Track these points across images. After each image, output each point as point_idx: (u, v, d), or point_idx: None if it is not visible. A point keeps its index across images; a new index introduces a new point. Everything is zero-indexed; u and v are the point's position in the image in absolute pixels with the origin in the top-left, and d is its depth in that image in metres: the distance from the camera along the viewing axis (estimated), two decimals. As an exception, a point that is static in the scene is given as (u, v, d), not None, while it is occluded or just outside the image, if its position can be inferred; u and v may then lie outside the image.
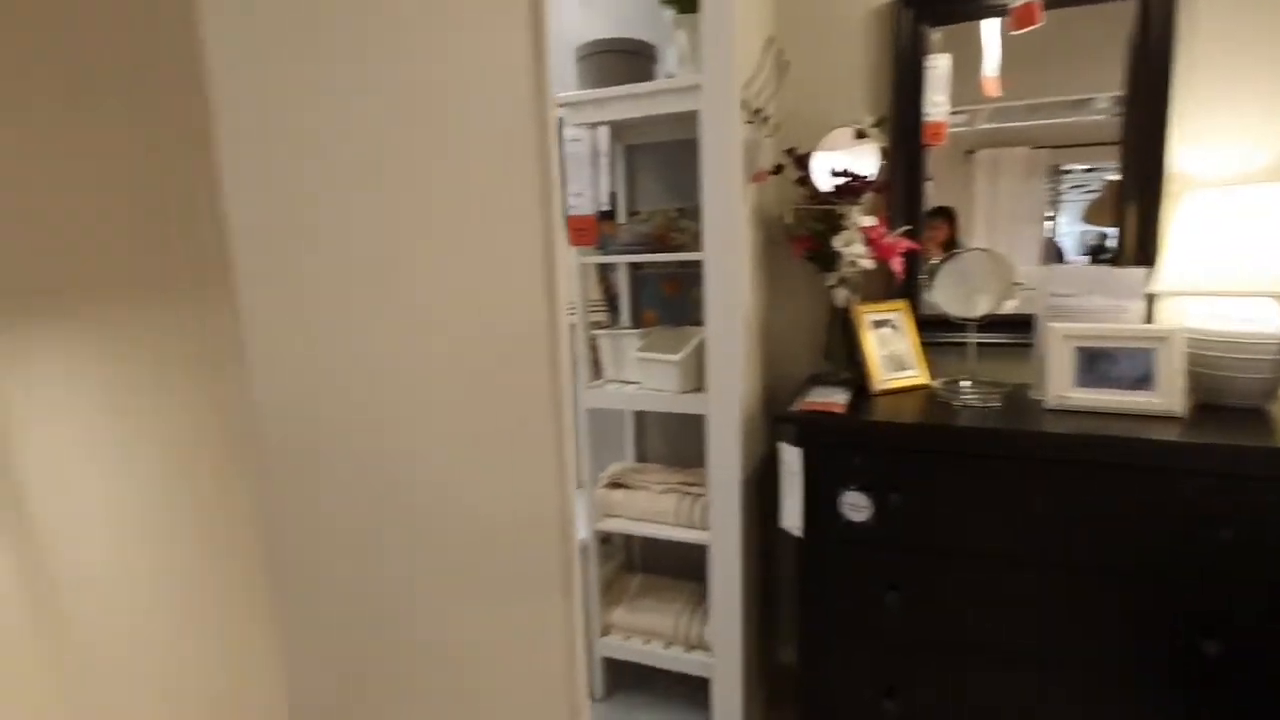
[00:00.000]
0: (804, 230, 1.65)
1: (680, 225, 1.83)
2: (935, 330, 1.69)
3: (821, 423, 1.44)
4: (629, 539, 2.18)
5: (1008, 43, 1.58)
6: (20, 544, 0.59)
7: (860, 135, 1.62)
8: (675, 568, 2.13)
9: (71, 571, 0.59)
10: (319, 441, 0.51)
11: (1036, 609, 1.32)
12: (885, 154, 1.65)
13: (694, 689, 1.94)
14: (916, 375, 1.64)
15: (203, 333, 0.46)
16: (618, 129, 1.90)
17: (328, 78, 0.50)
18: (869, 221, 1.57)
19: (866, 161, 1.60)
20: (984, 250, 1.55)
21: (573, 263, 1.76)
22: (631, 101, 1.62)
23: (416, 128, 0.59)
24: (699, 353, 1.69)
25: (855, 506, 1.43)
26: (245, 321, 0.45)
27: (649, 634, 1.88)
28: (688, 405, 1.69)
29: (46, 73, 0.47)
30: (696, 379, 1.71)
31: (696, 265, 1.64)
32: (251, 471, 0.46)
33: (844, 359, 1.69)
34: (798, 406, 1.50)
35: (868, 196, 1.60)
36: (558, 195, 0.82)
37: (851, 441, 1.42)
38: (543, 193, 0.79)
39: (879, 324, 1.65)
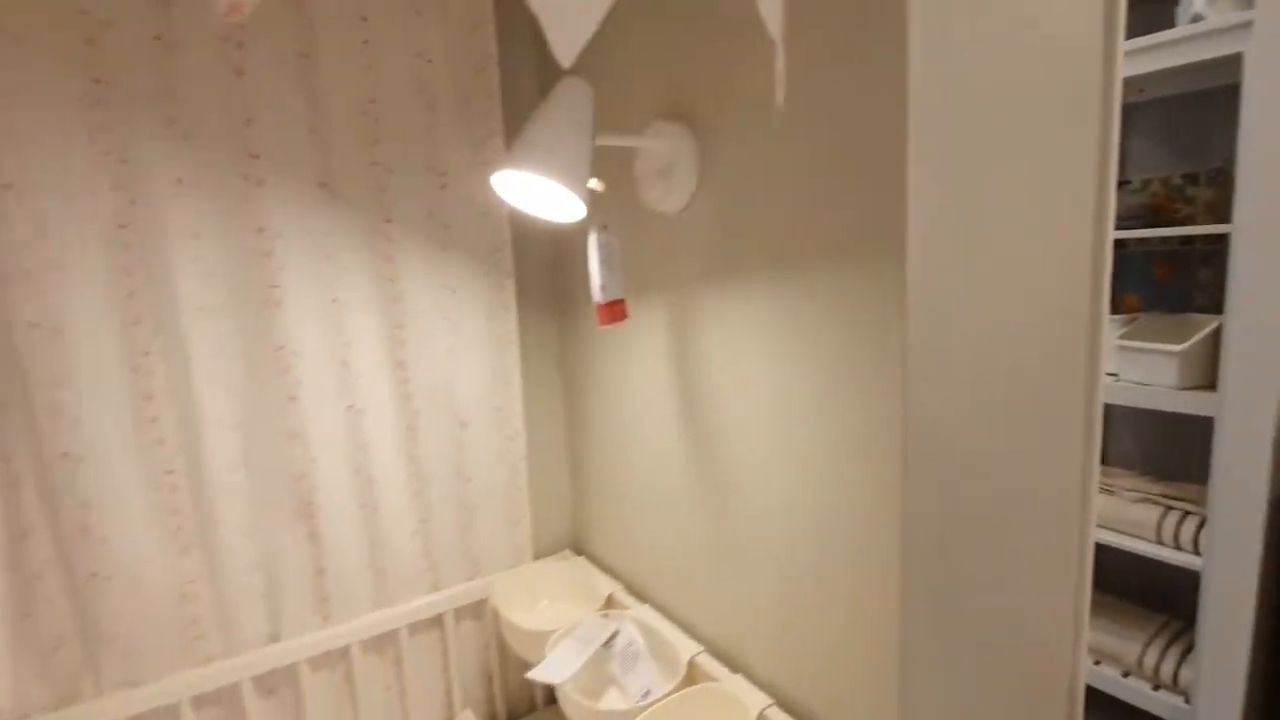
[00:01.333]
0: None
1: (1186, 194, 1.57)
2: None
3: None
4: (1074, 546, 1.98)
5: None
6: (703, 440, 0.90)
7: None
8: (1130, 587, 1.86)
9: (738, 457, 0.87)
10: (949, 358, 0.67)
11: None
12: None
13: (1155, 730, 1.68)
14: None
15: (875, 283, 0.66)
16: (1109, 91, 1.70)
17: (967, 117, 0.64)
18: None
19: None
20: None
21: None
22: (1147, 54, 1.44)
23: (997, 116, 0.70)
24: (1210, 344, 1.44)
25: None
26: (910, 277, 0.63)
27: (1101, 654, 1.70)
28: (1188, 404, 1.45)
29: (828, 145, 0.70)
30: (1202, 374, 1.46)
31: (1206, 241, 1.38)
32: (897, 376, 0.64)
33: None
34: (1381, 419, 1.17)
35: None
36: (1113, 167, 0.84)
37: None
38: (1100, 165, 0.82)
39: None
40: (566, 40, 0.49)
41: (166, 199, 0.91)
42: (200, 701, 1.03)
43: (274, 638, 1.07)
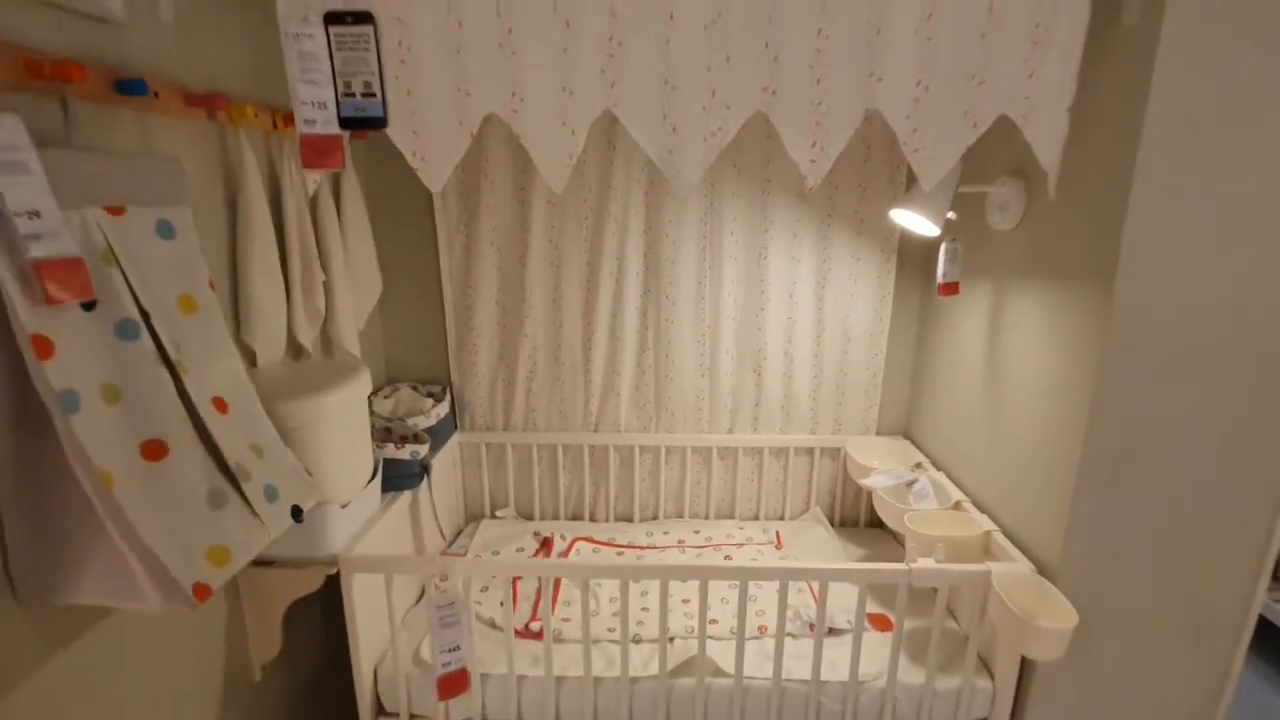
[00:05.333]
0: None
1: None
2: None
3: None
4: None
5: None
6: (994, 380, 1.49)
7: None
8: None
9: (1012, 379, 1.46)
10: (1153, 357, 1.17)
11: None
12: None
13: None
14: None
15: (1093, 295, 1.19)
16: None
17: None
18: None
19: None
20: None
21: None
22: None
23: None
24: None
25: None
26: (1117, 294, 1.15)
27: None
28: None
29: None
30: None
31: None
32: (1099, 368, 1.18)
33: None
34: None
35: None
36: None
37: None
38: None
39: None
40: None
41: (726, 203, 1.86)
42: (695, 451, 2.08)
43: (730, 431, 2.07)
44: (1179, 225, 1.13)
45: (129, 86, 0.99)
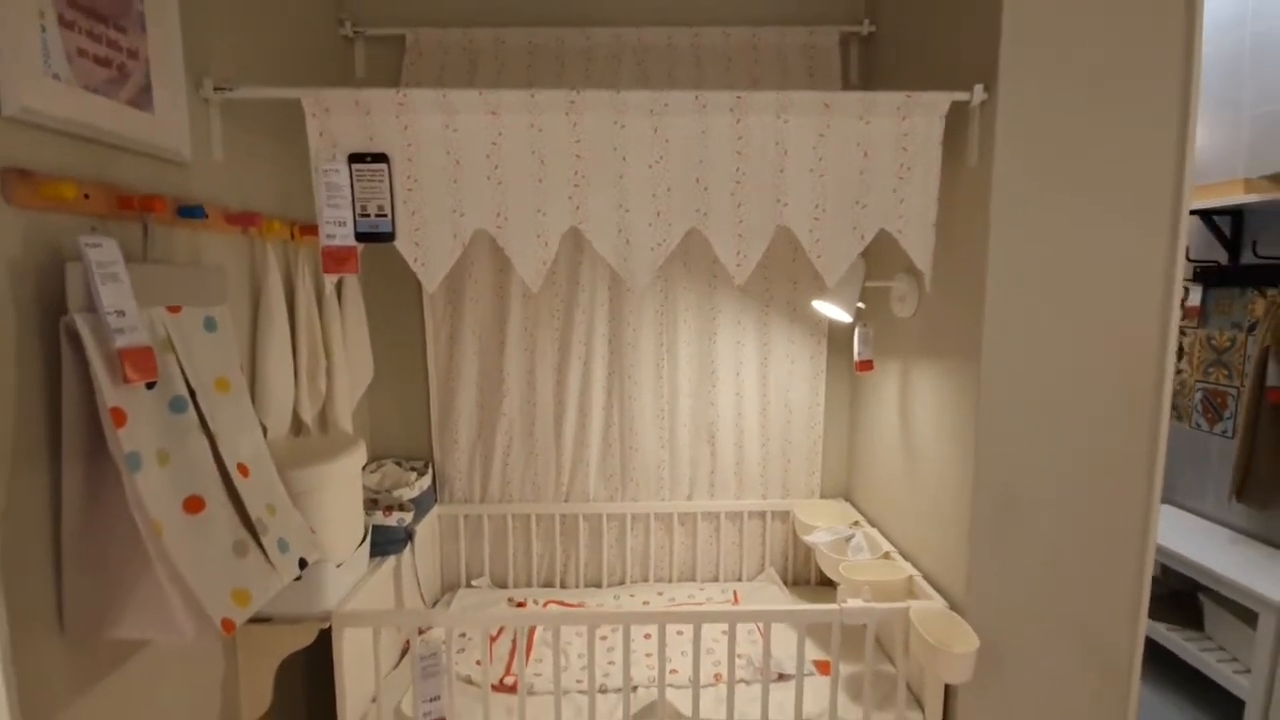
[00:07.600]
0: None
1: None
2: None
3: None
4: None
5: None
6: (907, 444, 1.76)
7: None
8: None
9: (920, 444, 1.72)
10: (1003, 393, 1.44)
11: None
12: None
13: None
14: None
15: (966, 369, 1.47)
16: None
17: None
18: None
19: None
20: None
21: None
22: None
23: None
24: None
25: None
26: (983, 367, 1.44)
27: None
28: None
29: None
30: None
31: None
32: (976, 402, 1.45)
33: None
34: None
35: None
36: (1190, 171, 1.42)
37: None
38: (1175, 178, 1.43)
39: None
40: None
41: (679, 296, 2.15)
42: (657, 517, 2.27)
43: (689, 498, 2.27)
44: (1024, 309, 1.43)
45: (190, 211, 1.24)
